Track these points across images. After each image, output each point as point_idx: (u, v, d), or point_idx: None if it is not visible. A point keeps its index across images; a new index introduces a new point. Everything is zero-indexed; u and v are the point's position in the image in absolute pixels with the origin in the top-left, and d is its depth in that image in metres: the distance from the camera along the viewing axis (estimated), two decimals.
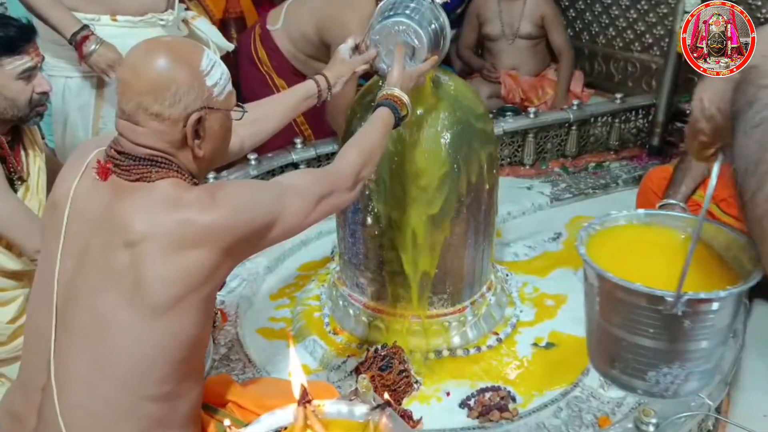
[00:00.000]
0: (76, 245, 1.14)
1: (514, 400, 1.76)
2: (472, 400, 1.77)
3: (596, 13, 3.84)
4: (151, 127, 1.11)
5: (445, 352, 1.92)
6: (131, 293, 1.08)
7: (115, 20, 2.17)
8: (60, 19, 2.04)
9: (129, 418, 1.13)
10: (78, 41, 2.05)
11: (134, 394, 1.12)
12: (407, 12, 1.60)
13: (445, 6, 1.68)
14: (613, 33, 3.76)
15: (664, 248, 0.94)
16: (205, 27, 2.49)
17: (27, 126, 1.80)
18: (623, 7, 3.65)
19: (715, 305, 0.81)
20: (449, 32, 1.68)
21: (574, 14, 3.98)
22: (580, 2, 3.90)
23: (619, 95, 3.27)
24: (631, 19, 3.63)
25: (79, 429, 1.11)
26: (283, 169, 2.73)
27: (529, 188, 2.91)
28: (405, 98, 1.50)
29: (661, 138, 3.25)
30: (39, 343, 1.15)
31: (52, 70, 2.15)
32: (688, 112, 3.11)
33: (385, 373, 1.77)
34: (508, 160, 3.13)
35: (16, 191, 1.76)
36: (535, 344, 1.96)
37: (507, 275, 2.26)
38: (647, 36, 3.57)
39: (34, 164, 1.83)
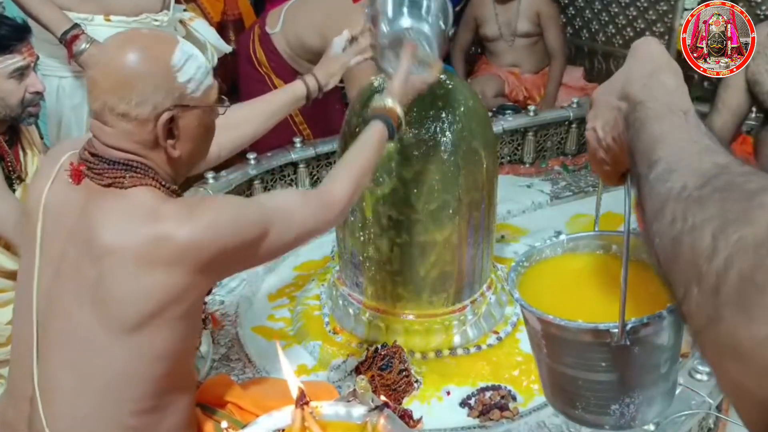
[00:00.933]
0: (54, 251, 1.09)
1: (514, 399, 1.76)
2: (473, 399, 1.76)
3: (596, 10, 3.83)
4: (120, 127, 1.05)
5: (446, 352, 1.91)
6: (101, 309, 1.04)
7: (108, 20, 2.15)
8: (50, 17, 2.03)
9: (115, 429, 1.10)
10: (68, 40, 2.03)
11: (116, 408, 1.08)
12: (422, 13, 1.48)
13: None
14: (613, 30, 3.75)
15: (595, 272, 0.91)
16: (202, 29, 2.48)
17: (23, 125, 1.80)
18: (623, 4, 3.64)
19: (660, 325, 0.78)
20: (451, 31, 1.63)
21: (573, 12, 3.97)
22: (580, 0, 3.89)
23: None
24: (630, 17, 3.63)
25: None
26: (282, 168, 2.72)
27: (529, 186, 2.91)
28: (400, 111, 1.40)
29: None
30: (23, 352, 1.12)
31: (46, 69, 2.14)
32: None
33: (385, 373, 1.77)
34: (508, 158, 3.12)
35: (14, 191, 1.76)
36: None
37: (507, 274, 2.25)
38: (647, 33, 3.56)
39: (32, 164, 1.83)
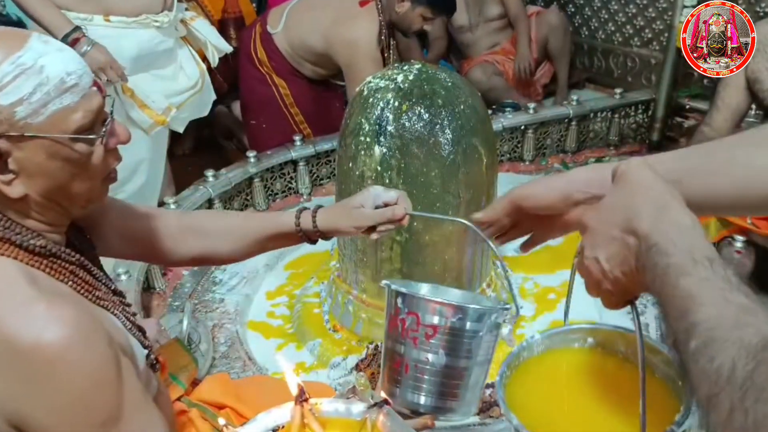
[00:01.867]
0: None
1: None
2: None
3: (595, 8, 3.83)
4: None
5: None
6: None
7: (108, 20, 2.16)
8: (52, 20, 2.03)
9: None
10: (69, 43, 2.03)
11: None
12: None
13: None
14: (613, 28, 3.75)
15: (578, 370, 0.88)
16: (203, 28, 2.48)
17: None
18: (622, 2, 3.65)
19: None
20: None
21: (573, 9, 3.97)
22: None
23: (618, 90, 3.27)
24: (630, 14, 3.63)
25: None
26: (282, 166, 2.73)
27: None
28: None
29: (660, 133, 3.25)
30: None
31: None
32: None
33: None
34: (508, 156, 3.13)
35: None
36: None
37: (507, 271, 2.25)
38: (646, 31, 3.56)
39: None
